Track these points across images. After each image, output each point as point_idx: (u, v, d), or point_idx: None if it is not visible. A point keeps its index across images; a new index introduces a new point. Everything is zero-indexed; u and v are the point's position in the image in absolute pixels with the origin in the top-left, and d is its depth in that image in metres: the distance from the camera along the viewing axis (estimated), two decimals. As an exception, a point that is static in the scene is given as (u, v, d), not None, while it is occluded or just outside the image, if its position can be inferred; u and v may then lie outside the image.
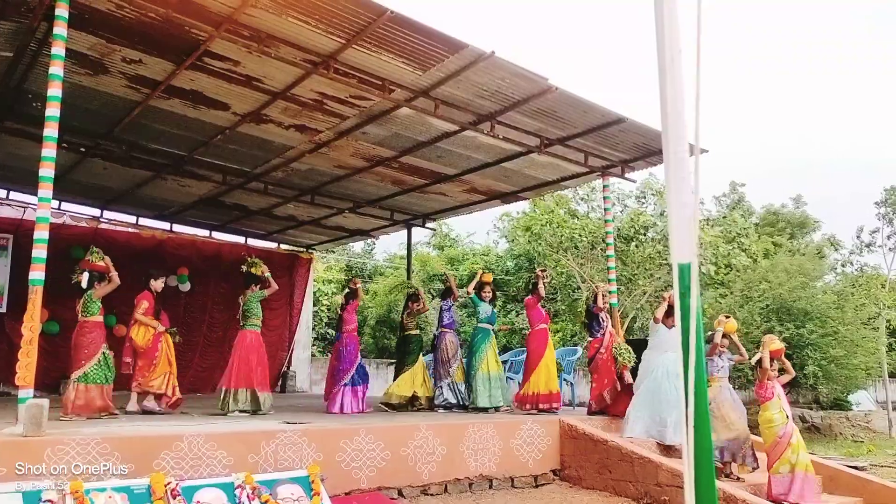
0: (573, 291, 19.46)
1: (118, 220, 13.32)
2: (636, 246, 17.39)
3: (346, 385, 8.87)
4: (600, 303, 8.83)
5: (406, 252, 15.23)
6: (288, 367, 14.92)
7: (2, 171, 11.13)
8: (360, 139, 9.35)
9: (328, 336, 23.14)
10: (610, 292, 9.83)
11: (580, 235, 17.71)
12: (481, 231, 37.48)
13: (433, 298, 24.18)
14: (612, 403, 8.43)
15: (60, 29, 5.71)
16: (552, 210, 18.82)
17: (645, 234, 17.64)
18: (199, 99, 8.17)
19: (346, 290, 9.88)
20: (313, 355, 19.75)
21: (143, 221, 13.59)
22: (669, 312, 7.73)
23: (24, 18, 6.45)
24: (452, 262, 27.57)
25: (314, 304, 19.62)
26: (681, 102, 1.37)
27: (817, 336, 16.82)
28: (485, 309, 9.41)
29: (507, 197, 11.94)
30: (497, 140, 8.94)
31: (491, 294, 9.57)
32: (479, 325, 9.38)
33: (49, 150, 5.60)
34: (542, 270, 9.62)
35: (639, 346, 8.75)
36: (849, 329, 17.52)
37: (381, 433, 6.40)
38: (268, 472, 5.31)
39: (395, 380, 9.83)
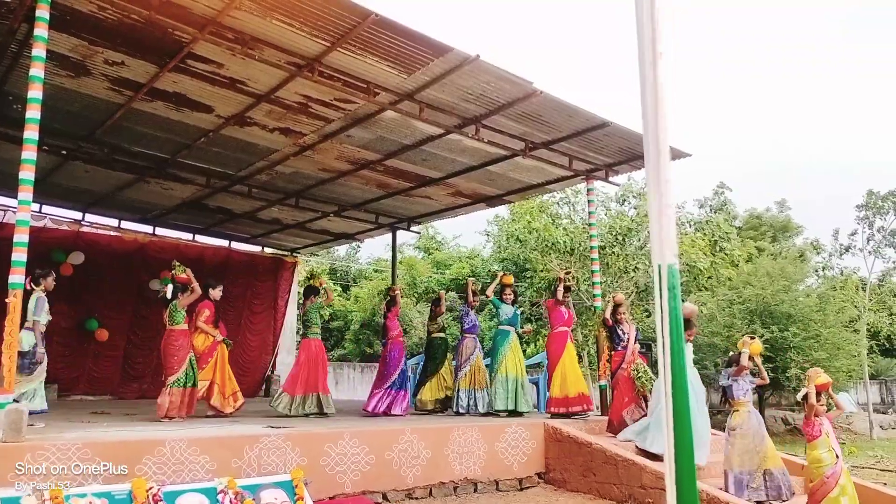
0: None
1: (100, 223, 13.19)
2: (619, 248, 17.45)
3: (388, 388, 9.25)
4: (607, 314, 8.49)
5: (391, 255, 15.20)
6: (272, 371, 14.84)
7: (-19, 174, 11.00)
8: (345, 142, 9.34)
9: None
10: (594, 296, 9.84)
11: (564, 242, 17.72)
12: (467, 233, 37.55)
13: (417, 303, 24.22)
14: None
15: (41, 30, 5.65)
16: (530, 213, 18.86)
17: (626, 237, 17.71)
18: (182, 101, 8.12)
19: (387, 298, 10.12)
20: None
21: (126, 225, 13.48)
22: (686, 326, 7.38)
23: (5, 20, 6.39)
24: (439, 265, 27.56)
25: (297, 308, 19.53)
26: (661, 106, 1.38)
27: (800, 339, 16.97)
28: (506, 311, 9.30)
29: (492, 200, 11.96)
30: (482, 143, 8.95)
31: (512, 296, 9.47)
32: (500, 327, 9.31)
33: (29, 153, 5.54)
34: (567, 272, 9.45)
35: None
36: (831, 332, 17.69)
37: (366, 437, 6.38)
38: (251, 476, 5.27)
39: (419, 384, 10.01)
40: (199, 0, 6.00)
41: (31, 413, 6.12)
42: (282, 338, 15.32)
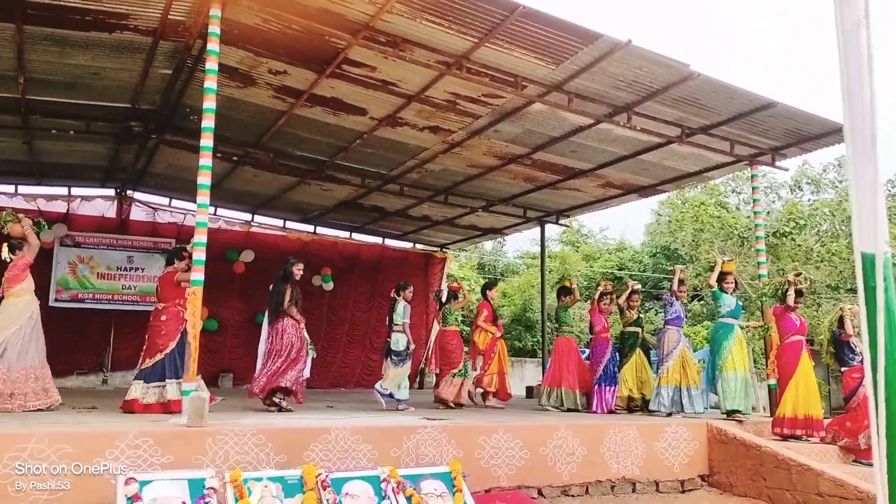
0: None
1: (267, 223, 14.13)
2: (791, 240, 16.12)
3: (596, 385, 9.15)
4: (848, 329, 7.58)
5: (540, 249, 15.08)
6: (426, 365, 15.18)
7: (164, 181, 12.11)
8: (493, 137, 9.36)
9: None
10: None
11: (739, 227, 16.49)
12: (614, 226, 36.51)
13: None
14: (869, 450, 7.22)
15: (213, 45, 6.09)
16: (702, 202, 17.82)
17: (801, 228, 16.27)
18: (338, 105, 8.49)
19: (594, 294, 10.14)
20: (449, 353, 19.99)
21: (290, 224, 14.36)
22: None
23: (182, 37, 6.97)
24: (587, 259, 27.07)
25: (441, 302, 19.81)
26: (864, 76, 1.22)
27: None
28: (728, 302, 8.42)
29: (644, 190, 11.52)
30: (634, 132, 8.65)
31: (733, 285, 8.67)
32: (721, 319, 8.47)
33: (206, 160, 5.98)
34: (797, 275, 8.48)
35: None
36: None
37: (519, 431, 6.35)
38: (409, 466, 5.38)
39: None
40: (353, 6, 6.23)
41: (400, 400, 8.00)
42: (433, 332, 15.63)
